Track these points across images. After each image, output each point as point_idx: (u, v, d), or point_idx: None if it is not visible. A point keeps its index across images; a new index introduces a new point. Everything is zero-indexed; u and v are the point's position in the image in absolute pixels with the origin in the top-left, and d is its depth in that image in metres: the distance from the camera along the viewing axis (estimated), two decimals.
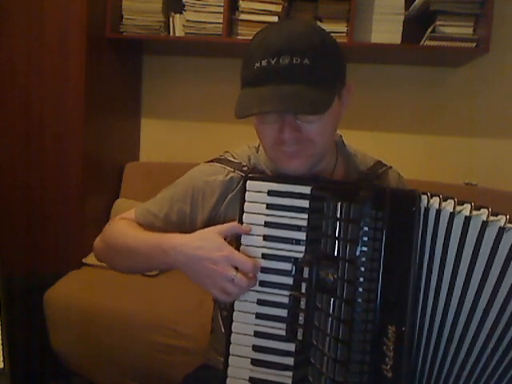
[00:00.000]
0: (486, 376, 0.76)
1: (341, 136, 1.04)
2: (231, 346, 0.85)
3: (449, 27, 1.95)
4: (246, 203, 0.86)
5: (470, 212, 0.74)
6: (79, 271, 2.05)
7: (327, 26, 2.02)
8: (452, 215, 0.74)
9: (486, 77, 2.24)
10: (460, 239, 0.74)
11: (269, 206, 0.85)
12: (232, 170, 0.96)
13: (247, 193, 0.86)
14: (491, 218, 0.74)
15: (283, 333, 0.83)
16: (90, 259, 2.08)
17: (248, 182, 0.86)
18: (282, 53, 0.78)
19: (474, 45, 1.94)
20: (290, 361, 0.83)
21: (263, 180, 0.87)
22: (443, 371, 0.77)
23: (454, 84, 2.28)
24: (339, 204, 0.77)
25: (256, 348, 0.84)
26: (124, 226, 1.00)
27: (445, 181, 2.18)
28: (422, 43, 1.98)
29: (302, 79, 0.78)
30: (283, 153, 0.86)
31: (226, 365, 0.85)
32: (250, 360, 0.84)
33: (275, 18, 2.04)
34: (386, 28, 2.01)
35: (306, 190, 0.83)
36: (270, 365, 0.83)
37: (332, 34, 2.17)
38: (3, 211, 2.09)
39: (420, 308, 0.75)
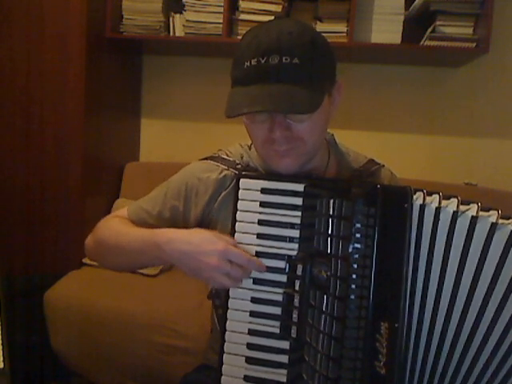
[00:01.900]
0: (485, 374, 0.76)
1: (332, 135, 1.04)
2: (225, 345, 0.86)
3: (449, 27, 1.95)
4: (239, 201, 0.86)
5: (477, 212, 0.73)
6: (79, 271, 2.05)
7: (327, 26, 2.03)
8: (455, 214, 0.73)
9: (486, 77, 2.24)
10: (466, 240, 0.73)
11: (262, 204, 0.85)
12: (226, 167, 0.96)
13: (240, 191, 0.86)
14: (501, 220, 0.73)
15: (277, 330, 0.83)
16: None
17: (241, 180, 0.86)
18: (272, 52, 0.78)
19: (474, 45, 1.94)
20: (284, 358, 0.83)
21: (256, 178, 0.87)
22: (438, 368, 0.77)
23: (453, 84, 2.28)
24: (332, 201, 0.77)
25: (250, 346, 0.84)
26: (116, 223, 0.99)
27: (445, 181, 2.18)
28: (422, 43, 1.98)
29: (292, 78, 0.78)
30: (274, 151, 0.86)
31: (221, 363, 0.86)
32: (244, 358, 0.84)
33: None
34: (386, 28, 2.00)
35: (300, 187, 0.84)
36: (264, 363, 0.84)
37: (332, 34, 2.18)
38: (3, 211, 2.09)
39: (418, 304, 0.75)
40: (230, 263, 0.81)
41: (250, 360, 0.84)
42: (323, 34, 2.25)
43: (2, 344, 1.20)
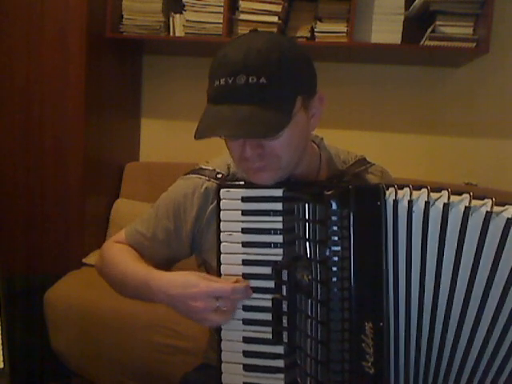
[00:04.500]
0: (480, 368, 0.75)
1: (322, 139, 1.03)
2: (222, 353, 0.86)
3: (449, 27, 1.95)
4: (221, 212, 0.87)
5: (469, 203, 0.72)
6: (79, 271, 2.05)
7: (327, 26, 2.03)
8: (446, 206, 0.72)
9: (485, 77, 2.23)
10: (460, 231, 0.72)
11: (244, 213, 0.86)
12: (207, 178, 0.96)
13: (222, 201, 0.87)
14: (496, 208, 0.71)
15: (270, 336, 0.83)
16: (90, 259, 2.08)
17: (221, 190, 0.87)
18: (239, 72, 0.77)
19: (474, 45, 1.94)
20: (280, 363, 0.83)
21: (236, 187, 0.87)
22: (432, 363, 0.77)
23: (453, 84, 2.28)
24: (307, 205, 0.78)
25: (246, 353, 0.85)
26: (116, 253, 1.00)
27: (445, 181, 2.17)
28: (421, 43, 1.98)
29: (258, 99, 0.77)
30: (249, 168, 0.86)
31: (220, 372, 0.86)
32: (241, 366, 0.85)
33: (275, 18, 2.04)
34: (386, 28, 2.00)
35: (279, 192, 0.84)
36: (261, 369, 0.84)
37: (332, 34, 2.17)
38: (3, 211, 2.09)
39: (403, 301, 0.75)
40: (216, 300, 0.82)
41: (247, 367, 0.85)
42: (322, 35, 2.25)
43: (2, 344, 1.20)
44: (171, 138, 2.54)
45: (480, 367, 0.75)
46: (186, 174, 1.00)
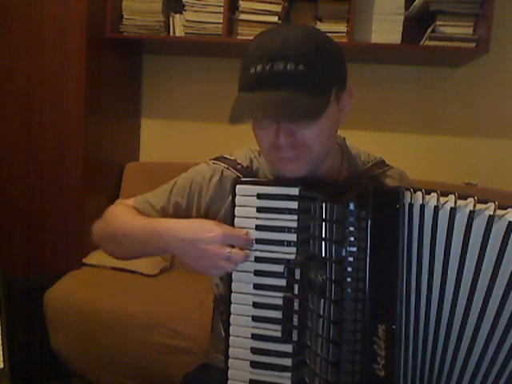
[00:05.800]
0: (491, 372, 0.75)
1: (344, 138, 1.03)
2: (230, 349, 0.86)
3: (449, 27, 1.95)
4: (236, 207, 0.86)
5: (474, 207, 0.72)
6: (79, 271, 2.05)
7: (327, 26, 2.03)
8: (453, 211, 0.73)
9: (485, 77, 2.24)
10: (465, 235, 0.73)
11: (259, 210, 0.85)
12: (226, 166, 0.97)
13: (237, 197, 0.86)
14: (499, 211, 0.71)
15: (279, 334, 0.83)
16: (90, 259, 2.08)
17: (237, 186, 0.87)
18: (277, 58, 0.78)
19: (473, 45, 1.94)
20: (287, 362, 0.83)
21: (252, 184, 0.87)
22: (444, 368, 0.76)
23: (453, 84, 2.28)
24: (324, 205, 0.78)
25: (254, 350, 0.85)
26: (122, 210, 1.02)
27: (445, 181, 2.18)
28: (421, 43, 1.99)
29: (296, 85, 0.78)
30: (280, 158, 0.86)
31: (226, 368, 0.86)
32: (249, 362, 0.85)
33: (275, 18, 2.04)
34: (385, 28, 2.01)
35: (295, 191, 0.84)
36: (268, 366, 0.84)
37: (332, 34, 2.17)
38: (3, 211, 2.09)
39: (413, 305, 0.75)
40: (229, 247, 0.82)
41: (254, 364, 0.85)
42: None
43: (2, 344, 1.20)
44: (171, 138, 2.55)
45: (481, 370, 0.75)
46: (210, 160, 1.01)
